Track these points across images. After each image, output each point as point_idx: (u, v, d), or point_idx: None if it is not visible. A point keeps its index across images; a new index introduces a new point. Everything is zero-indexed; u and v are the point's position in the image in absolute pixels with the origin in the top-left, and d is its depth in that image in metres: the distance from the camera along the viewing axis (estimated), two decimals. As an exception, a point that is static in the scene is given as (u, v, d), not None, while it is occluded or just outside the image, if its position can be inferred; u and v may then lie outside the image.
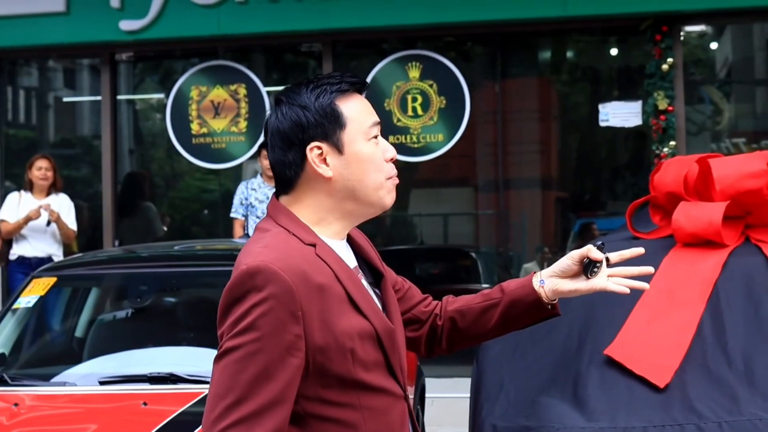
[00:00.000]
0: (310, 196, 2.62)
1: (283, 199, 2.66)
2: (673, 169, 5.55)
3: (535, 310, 3.00)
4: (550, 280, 2.95)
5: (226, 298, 2.48)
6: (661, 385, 4.60)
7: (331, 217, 2.64)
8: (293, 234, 2.57)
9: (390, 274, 2.84)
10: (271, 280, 2.44)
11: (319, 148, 2.59)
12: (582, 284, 2.97)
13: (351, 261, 2.67)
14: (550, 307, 3.02)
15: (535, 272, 3.00)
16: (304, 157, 2.59)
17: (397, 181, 2.67)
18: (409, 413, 2.70)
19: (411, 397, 4.06)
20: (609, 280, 3.00)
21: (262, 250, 2.51)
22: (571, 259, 2.93)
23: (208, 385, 4.91)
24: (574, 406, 4.59)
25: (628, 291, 3.05)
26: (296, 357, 2.45)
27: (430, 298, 3.04)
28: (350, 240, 2.73)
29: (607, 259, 3.01)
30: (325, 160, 2.59)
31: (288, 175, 2.62)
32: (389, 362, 2.60)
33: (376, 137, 2.63)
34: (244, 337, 2.42)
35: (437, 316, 2.98)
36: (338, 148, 2.59)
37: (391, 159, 2.65)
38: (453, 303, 3.00)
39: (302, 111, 2.59)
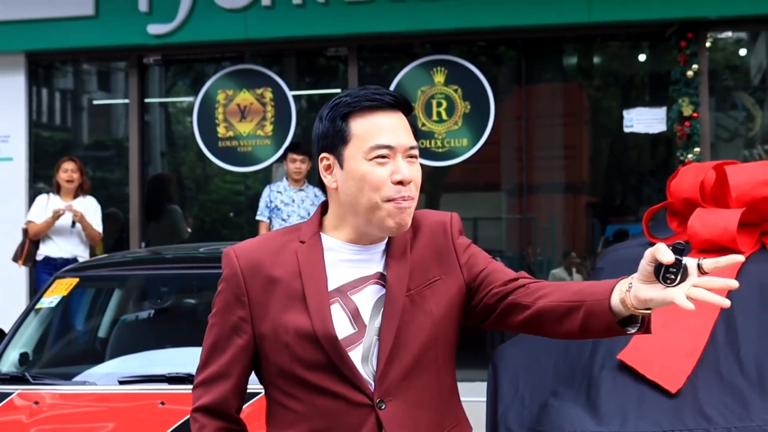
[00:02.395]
0: (331, 201, 2.74)
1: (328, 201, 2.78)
2: (689, 176, 5.56)
3: (615, 319, 2.59)
4: (635, 285, 2.49)
5: None
6: (673, 390, 4.62)
7: (342, 224, 2.71)
8: (299, 230, 2.75)
9: (466, 269, 2.78)
10: (227, 265, 2.71)
11: (327, 159, 2.69)
12: (657, 292, 2.45)
13: (372, 268, 2.71)
14: (639, 318, 2.60)
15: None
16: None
17: (403, 204, 2.63)
18: (379, 423, 2.63)
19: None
20: (682, 291, 2.41)
21: (251, 239, 2.77)
22: (644, 258, 2.46)
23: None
24: (586, 409, 4.61)
25: (692, 306, 2.43)
26: (241, 338, 2.69)
27: (518, 281, 2.75)
28: (389, 249, 2.74)
29: (699, 267, 2.42)
30: (331, 171, 2.69)
31: (317, 179, 2.76)
32: (337, 368, 2.61)
33: (382, 157, 2.61)
34: (212, 312, 2.75)
35: (517, 306, 2.71)
36: (340, 162, 2.66)
37: (399, 181, 2.62)
38: (545, 297, 2.68)
39: (319, 122, 2.71)
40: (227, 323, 2.69)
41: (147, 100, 12.02)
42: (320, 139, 2.70)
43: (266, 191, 9.98)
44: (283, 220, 9.79)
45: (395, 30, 10.73)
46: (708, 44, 10.60)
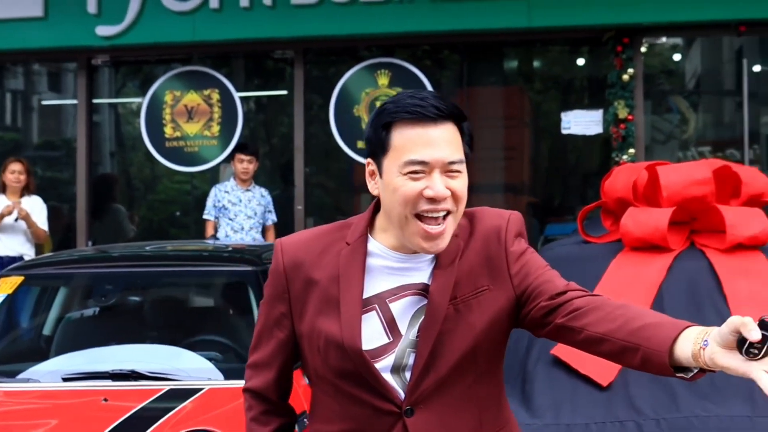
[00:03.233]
0: (382, 203, 2.65)
1: None
2: (622, 176, 5.61)
3: (673, 364, 2.36)
4: (712, 346, 2.23)
5: None
6: (605, 383, 4.65)
7: (388, 229, 2.63)
8: (349, 227, 2.68)
9: (516, 278, 2.62)
10: (274, 258, 2.70)
11: (371, 164, 2.63)
12: (736, 363, 2.20)
13: (415, 277, 2.61)
14: (696, 370, 2.33)
15: (702, 329, 2.34)
16: None
17: (432, 230, 2.52)
18: (406, 429, 2.56)
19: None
20: (762, 369, 2.16)
21: (304, 231, 2.76)
22: (727, 326, 2.19)
23: (168, 383, 4.97)
24: (521, 403, 4.63)
25: None
26: (282, 332, 2.69)
27: (566, 294, 2.58)
28: (438, 258, 2.63)
29: None
30: (374, 177, 2.63)
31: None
32: (364, 377, 2.56)
33: (415, 173, 2.50)
34: (263, 298, 2.76)
35: (566, 328, 2.55)
36: (380, 172, 2.59)
37: (431, 197, 2.50)
38: (595, 324, 2.49)
39: (369, 126, 2.63)
40: (271, 316, 2.70)
41: (96, 101, 11.93)
42: (367, 144, 2.64)
43: (213, 191, 9.94)
44: (230, 219, 9.75)
45: (341, 33, 10.72)
46: (643, 49, 10.70)
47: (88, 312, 6.44)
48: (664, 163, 5.65)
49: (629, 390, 4.59)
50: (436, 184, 2.50)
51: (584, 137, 11.01)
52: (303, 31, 10.71)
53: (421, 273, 2.62)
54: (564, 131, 10.76)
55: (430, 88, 10.66)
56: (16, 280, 5.94)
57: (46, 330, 6.28)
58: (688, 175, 5.36)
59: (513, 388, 4.83)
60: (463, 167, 2.57)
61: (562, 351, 4.86)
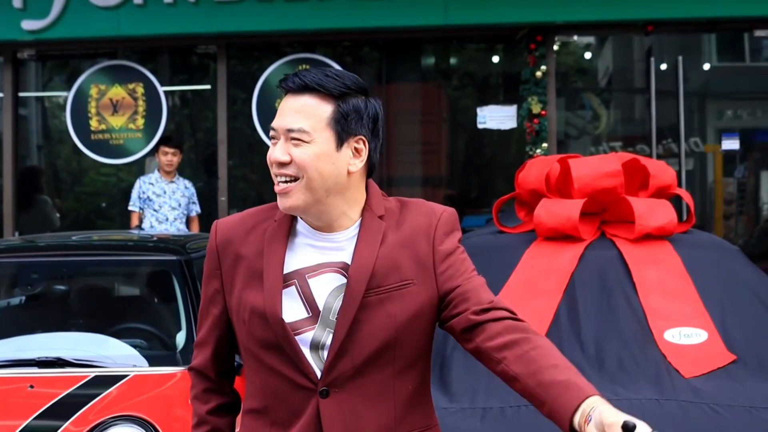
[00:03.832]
0: None
1: None
2: (536, 168, 5.65)
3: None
4: (591, 427, 2.28)
5: None
6: (519, 368, 4.67)
7: None
8: (278, 208, 2.64)
9: (442, 279, 2.58)
10: (210, 238, 2.73)
11: None
12: None
13: (336, 256, 2.59)
14: None
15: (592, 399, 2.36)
16: None
17: (277, 188, 2.57)
18: (319, 411, 2.53)
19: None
20: None
21: (237, 213, 2.78)
22: (596, 426, 2.27)
23: (93, 369, 4.91)
24: (439, 388, 4.64)
25: None
26: (215, 308, 2.71)
27: (489, 313, 2.55)
28: (358, 237, 2.60)
29: None
30: None
31: None
32: (284, 349, 2.54)
33: (272, 138, 2.57)
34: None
35: (484, 355, 2.54)
36: None
37: (272, 162, 2.56)
38: (512, 361, 2.48)
39: None
40: (207, 293, 2.73)
41: (22, 94, 11.74)
42: None
43: (138, 183, 9.85)
44: (155, 210, 9.67)
45: (263, 29, 10.67)
46: (556, 47, 10.79)
47: (15, 300, 6.34)
48: (575, 156, 5.71)
49: (543, 374, 4.63)
50: (274, 150, 2.56)
51: (499, 132, 11.07)
52: (226, 26, 10.64)
53: (342, 252, 2.59)
54: (480, 125, 10.80)
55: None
56: (-58, 270, 5.85)
57: (-27, 319, 6.17)
58: (598, 167, 5.41)
59: (432, 373, 4.84)
60: (307, 137, 2.53)
61: (479, 337, 4.88)
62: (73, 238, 7.07)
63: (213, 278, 2.70)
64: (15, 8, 10.67)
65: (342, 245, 2.60)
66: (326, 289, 2.57)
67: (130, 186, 10.14)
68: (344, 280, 2.56)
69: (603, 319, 4.89)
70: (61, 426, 4.40)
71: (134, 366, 5.07)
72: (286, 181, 2.55)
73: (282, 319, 2.54)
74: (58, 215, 11.85)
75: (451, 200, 12.08)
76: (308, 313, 2.56)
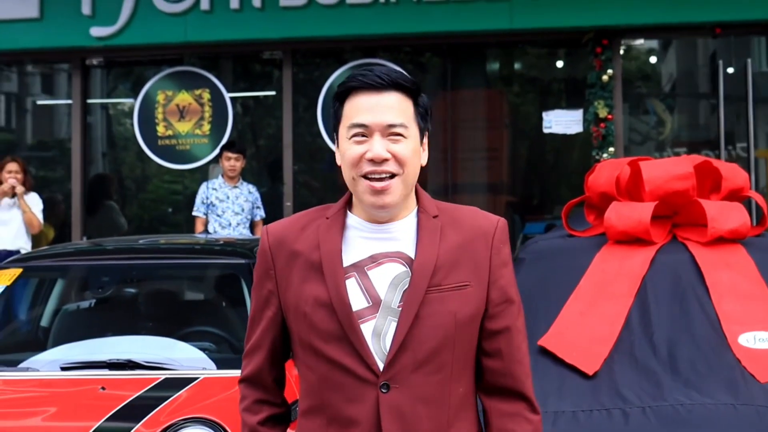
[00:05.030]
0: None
1: None
2: (606, 171, 5.60)
3: None
4: None
5: None
6: (590, 372, 4.64)
7: (357, 202, 2.67)
8: (329, 207, 2.72)
9: (492, 288, 2.65)
10: (261, 241, 2.73)
11: (337, 135, 2.68)
12: None
13: (390, 245, 2.62)
14: None
15: None
16: None
17: (375, 185, 2.56)
18: (379, 406, 2.53)
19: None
20: None
21: (286, 218, 2.79)
22: None
23: (163, 372, 4.96)
24: (509, 392, 4.60)
25: None
26: (269, 310, 2.70)
27: (500, 337, 2.68)
28: (419, 228, 2.65)
29: None
30: (338, 148, 2.68)
31: None
32: (349, 339, 2.55)
33: (359, 135, 2.57)
34: (252, 286, 2.78)
35: (486, 373, 2.70)
36: (337, 141, 2.67)
37: (371, 158, 2.56)
38: (496, 399, 2.70)
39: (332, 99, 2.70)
40: (260, 297, 2.71)
41: (89, 101, 11.86)
42: (332, 117, 2.71)
43: (202, 188, 9.90)
44: (218, 215, 9.71)
45: (328, 35, 10.69)
46: (621, 51, 10.70)
47: (85, 303, 6.42)
48: (646, 159, 5.65)
49: (615, 379, 4.58)
50: (375, 146, 2.56)
51: (563, 137, 11.01)
52: (291, 32, 10.67)
53: (397, 242, 2.64)
54: (545, 130, 10.73)
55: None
56: (14, 272, 5.91)
57: (44, 321, 6.25)
58: (669, 170, 5.36)
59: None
60: (406, 132, 2.60)
61: (549, 341, 4.85)
62: (140, 241, 7.12)
63: (266, 280, 2.70)
64: (84, 15, 10.79)
65: (396, 235, 2.65)
66: (387, 278, 2.60)
67: (193, 193, 10.21)
68: (403, 269, 2.60)
69: (676, 323, 4.83)
70: (133, 427, 4.43)
71: (203, 369, 5.10)
72: (383, 178, 2.58)
73: (350, 306, 2.56)
74: (124, 221, 11.95)
75: (513, 207, 12.04)
76: (369, 303, 2.59)
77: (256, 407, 2.74)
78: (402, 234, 2.64)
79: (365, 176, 2.57)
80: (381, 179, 2.57)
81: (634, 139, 11.94)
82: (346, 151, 2.59)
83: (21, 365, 5.34)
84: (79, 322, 6.19)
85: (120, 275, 6.37)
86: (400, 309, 2.56)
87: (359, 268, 2.61)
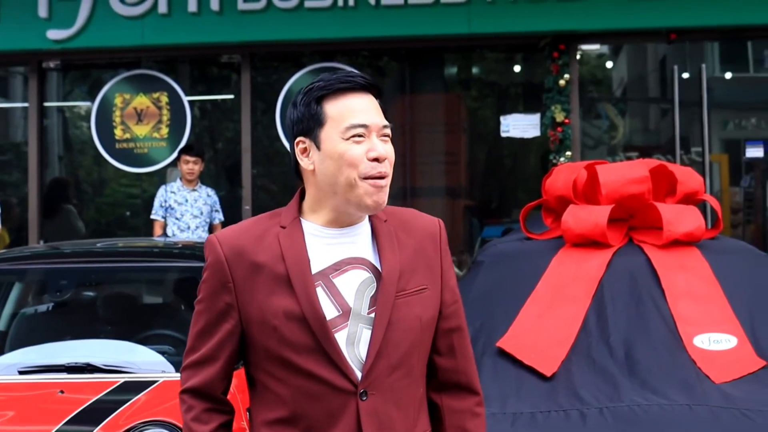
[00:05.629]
0: (308, 186, 2.68)
1: (304, 186, 2.72)
2: (563, 175, 5.65)
3: None
4: None
5: None
6: (548, 374, 4.68)
7: (319, 207, 2.65)
8: (279, 215, 2.68)
9: (445, 290, 2.74)
10: (211, 253, 2.65)
11: (303, 142, 2.63)
12: None
13: (350, 250, 2.64)
14: None
15: None
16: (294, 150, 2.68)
17: (380, 182, 2.59)
18: (359, 414, 2.56)
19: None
20: None
21: (235, 225, 2.73)
22: None
23: (122, 375, 4.94)
24: (468, 393, 4.64)
25: None
26: (228, 322, 2.62)
27: (452, 337, 2.77)
28: (375, 234, 2.69)
29: None
30: (308, 154, 2.63)
31: (292, 165, 2.71)
32: (324, 350, 2.55)
33: (358, 136, 2.57)
34: (198, 298, 2.69)
35: (437, 373, 2.78)
36: (317, 145, 2.61)
37: (374, 158, 2.57)
38: (448, 398, 2.80)
39: (293, 108, 2.66)
40: (214, 309, 2.62)
41: (45, 104, 11.79)
42: (295, 124, 2.65)
43: (161, 191, 9.87)
44: (177, 219, 9.69)
45: (285, 38, 10.69)
46: (578, 56, 10.77)
47: (43, 307, 6.37)
48: (602, 163, 5.71)
49: (572, 380, 4.63)
50: (379, 146, 2.59)
51: (520, 141, 11.07)
52: (249, 36, 10.66)
53: (356, 246, 2.66)
54: (503, 134, 10.78)
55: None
56: (-29, 277, 5.88)
57: (1, 325, 6.19)
58: (625, 173, 5.42)
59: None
60: (390, 134, 2.65)
61: (508, 343, 4.89)
62: (98, 245, 7.08)
63: (223, 293, 2.62)
64: (41, 18, 10.72)
65: (355, 239, 2.67)
66: (353, 286, 2.62)
67: (151, 196, 10.17)
68: (367, 275, 2.63)
69: (632, 325, 4.89)
70: (92, 430, 4.41)
71: (162, 372, 5.08)
72: (383, 177, 2.61)
73: (324, 318, 2.55)
74: (82, 224, 11.89)
75: (471, 210, 12.08)
76: (339, 311, 2.59)
77: (205, 416, 2.68)
78: (360, 239, 2.67)
79: (365, 177, 2.57)
80: (382, 178, 2.59)
81: (587, 143, 12.02)
82: (345, 151, 2.57)
83: (-22, 369, 5.30)
84: (37, 325, 6.14)
85: (78, 278, 6.33)
86: (372, 315, 2.60)
87: (324, 276, 2.61)
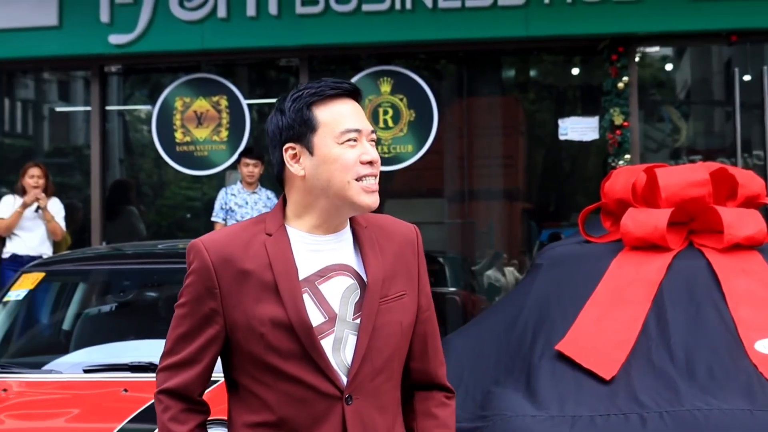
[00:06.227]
0: (293, 192, 2.70)
1: (285, 192, 2.75)
2: (622, 178, 5.63)
3: None
4: None
5: None
6: (608, 377, 4.67)
7: (306, 212, 2.68)
8: (263, 222, 2.70)
9: (421, 295, 2.81)
10: (196, 258, 2.65)
11: (293, 148, 2.66)
12: None
13: (334, 257, 2.69)
14: None
15: None
16: (282, 156, 2.68)
17: (372, 183, 2.65)
18: (344, 418, 2.61)
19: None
20: None
21: (218, 231, 2.73)
22: None
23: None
24: (526, 396, 4.65)
25: None
26: (212, 328, 2.65)
27: (427, 342, 2.87)
28: (357, 240, 2.74)
29: None
30: (298, 160, 2.66)
31: (276, 173, 2.73)
32: (310, 357, 2.59)
33: (352, 140, 2.63)
34: (179, 301, 2.70)
35: (414, 376, 2.86)
36: (309, 150, 2.64)
37: (368, 162, 2.64)
38: (419, 405, 2.88)
39: (281, 115, 2.68)
40: (198, 314, 2.64)
41: (109, 108, 11.94)
42: (283, 130, 2.68)
43: (221, 193, 9.96)
44: (237, 221, 9.76)
45: (344, 42, 10.73)
46: (637, 59, 10.72)
47: (106, 307, 6.47)
48: (662, 166, 5.68)
49: (632, 384, 4.61)
50: (371, 150, 2.67)
51: (579, 145, 11.03)
52: (307, 39, 10.72)
53: (340, 253, 2.71)
54: (561, 137, 10.76)
55: (431, 96, 10.68)
56: (37, 276, 5.98)
57: (66, 324, 6.31)
58: (685, 177, 5.39)
59: (518, 381, 4.86)
60: (376, 138, 2.74)
61: (567, 346, 4.88)
62: (159, 246, 7.17)
63: (207, 298, 2.63)
64: (102, 23, 10.86)
65: (339, 246, 2.72)
66: (338, 292, 2.67)
67: (210, 199, 10.26)
68: (351, 281, 2.69)
69: (692, 329, 4.86)
70: (155, 429, 4.47)
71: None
72: (375, 178, 2.68)
73: (311, 326, 2.59)
74: (143, 226, 12.02)
75: (529, 214, 12.07)
76: (325, 317, 2.63)
77: (183, 416, 2.72)
78: (343, 245, 2.72)
79: (359, 179, 2.63)
80: (375, 179, 2.67)
81: (649, 146, 11.95)
82: (340, 155, 2.62)
83: (45, 367, 5.41)
84: (100, 325, 6.24)
85: (141, 279, 6.42)
86: (357, 322, 2.65)
87: (310, 283, 2.65)
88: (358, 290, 2.68)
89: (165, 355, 2.74)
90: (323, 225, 2.69)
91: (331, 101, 2.66)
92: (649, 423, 4.38)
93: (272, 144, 2.72)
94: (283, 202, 2.75)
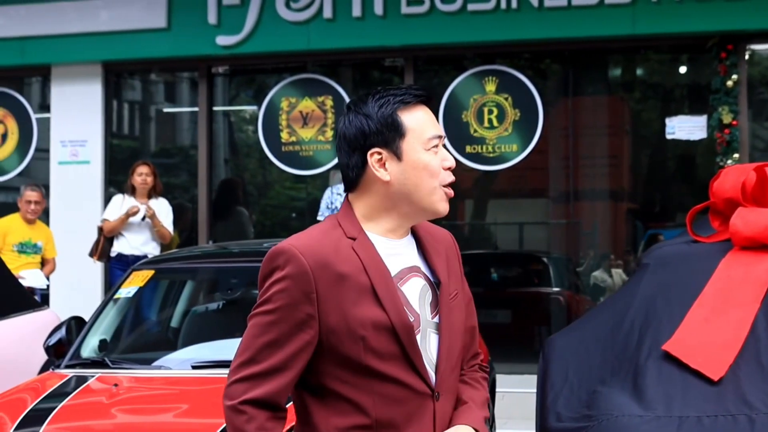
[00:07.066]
0: (368, 195, 2.73)
1: (350, 196, 2.78)
2: (731, 177, 5.54)
3: None
4: None
5: (260, 273, 2.71)
6: (716, 378, 4.60)
7: (382, 217, 2.74)
8: (341, 226, 2.71)
9: (461, 293, 2.89)
10: (290, 262, 2.61)
11: (379, 153, 2.69)
12: None
13: (406, 260, 2.76)
14: None
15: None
16: (365, 161, 2.70)
17: (450, 191, 2.73)
18: (434, 414, 2.69)
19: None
20: None
21: (299, 235, 2.71)
22: None
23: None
24: (633, 396, 4.61)
25: None
26: (306, 333, 2.62)
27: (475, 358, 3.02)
28: (420, 243, 2.82)
29: None
30: (384, 165, 2.69)
31: (350, 176, 2.74)
32: (408, 357, 2.64)
33: (436, 147, 2.70)
34: (265, 307, 2.64)
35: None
36: (397, 155, 2.68)
37: (449, 168, 2.72)
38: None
39: (366, 119, 2.70)
40: (292, 320, 2.61)
41: (215, 109, 12.12)
42: (369, 135, 2.68)
43: (327, 192, 10.05)
44: (342, 220, 9.82)
45: (448, 41, 10.76)
46: (747, 56, 10.55)
47: (213, 305, 6.57)
48: (772, 164, 5.58)
49: (740, 385, 4.54)
50: (449, 156, 2.75)
51: (685, 144, 10.91)
52: (412, 39, 10.76)
53: (409, 256, 2.79)
54: (668, 136, 10.65)
55: (537, 96, 10.64)
56: (146, 274, 6.10)
57: (174, 322, 6.43)
58: (798, 175, 5.29)
59: (624, 381, 4.82)
60: None
61: (674, 347, 4.83)
62: (265, 245, 7.25)
63: (304, 303, 2.60)
64: (210, 24, 11.04)
65: (407, 250, 2.79)
66: (415, 293, 2.74)
67: (315, 199, 10.36)
68: (423, 282, 2.77)
69: (803, 330, 4.78)
70: (261, 425, 4.53)
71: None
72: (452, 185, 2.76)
73: (412, 326, 2.65)
74: (252, 229, 12.17)
75: (634, 214, 11.96)
76: (412, 318, 2.69)
77: (270, 425, 2.67)
78: (410, 249, 2.80)
79: (443, 185, 2.72)
80: (452, 186, 2.75)
81: (757, 145, 11.75)
82: (429, 161, 2.68)
83: (154, 363, 5.54)
84: (208, 322, 6.35)
85: (247, 277, 6.51)
86: (436, 320, 2.74)
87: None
88: (430, 290, 2.77)
89: (244, 364, 2.67)
90: (398, 230, 2.75)
91: (413, 107, 2.72)
92: (758, 424, 4.32)
93: (350, 147, 2.71)
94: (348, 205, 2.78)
